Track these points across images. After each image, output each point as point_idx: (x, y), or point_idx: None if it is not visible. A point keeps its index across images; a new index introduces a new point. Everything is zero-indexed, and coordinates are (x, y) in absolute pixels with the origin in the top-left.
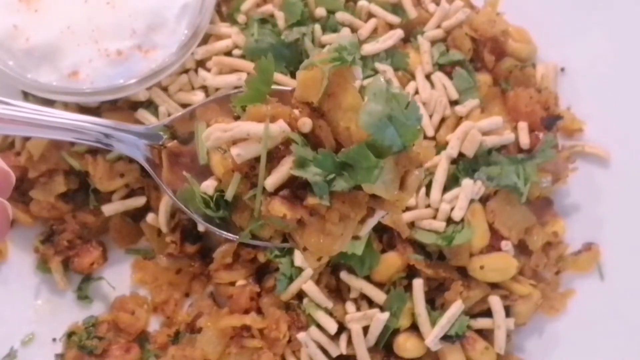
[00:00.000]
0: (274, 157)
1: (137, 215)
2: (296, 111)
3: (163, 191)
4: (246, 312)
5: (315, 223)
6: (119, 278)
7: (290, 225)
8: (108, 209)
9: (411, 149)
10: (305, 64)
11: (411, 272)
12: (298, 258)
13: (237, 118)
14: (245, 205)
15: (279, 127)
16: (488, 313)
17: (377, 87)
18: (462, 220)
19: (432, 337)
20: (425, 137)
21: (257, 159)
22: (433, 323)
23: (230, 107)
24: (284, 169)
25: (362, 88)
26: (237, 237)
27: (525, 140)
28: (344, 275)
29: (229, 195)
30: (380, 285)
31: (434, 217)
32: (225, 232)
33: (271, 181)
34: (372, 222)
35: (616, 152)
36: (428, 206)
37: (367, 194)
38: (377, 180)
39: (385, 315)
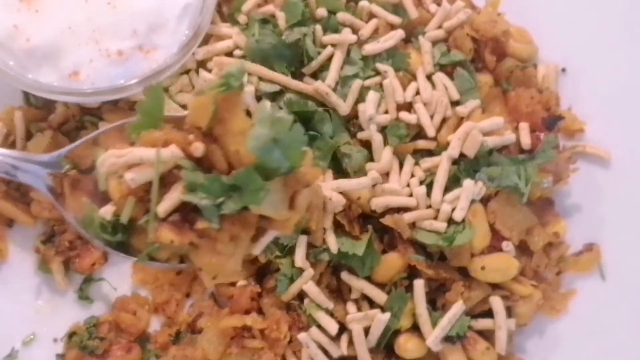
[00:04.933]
0: (168, 181)
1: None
2: (191, 136)
3: (66, 219)
4: (247, 312)
5: (206, 245)
6: (120, 278)
7: (184, 247)
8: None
9: (298, 170)
10: (195, 91)
11: (412, 273)
12: (299, 259)
13: (133, 144)
14: (142, 228)
15: (171, 152)
16: (489, 314)
17: (262, 111)
18: (463, 220)
19: (433, 337)
20: (427, 138)
21: (151, 183)
22: (434, 323)
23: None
24: (175, 195)
25: (364, 88)
26: (137, 259)
27: (526, 141)
28: (344, 275)
29: (123, 218)
30: (381, 285)
31: (435, 218)
32: (124, 255)
33: (162, 208)
34: (265, 240)
35: (617, 153)
36: (429, 207)
37: (256, 214)
38: (265, 201)
39: (386, 315)
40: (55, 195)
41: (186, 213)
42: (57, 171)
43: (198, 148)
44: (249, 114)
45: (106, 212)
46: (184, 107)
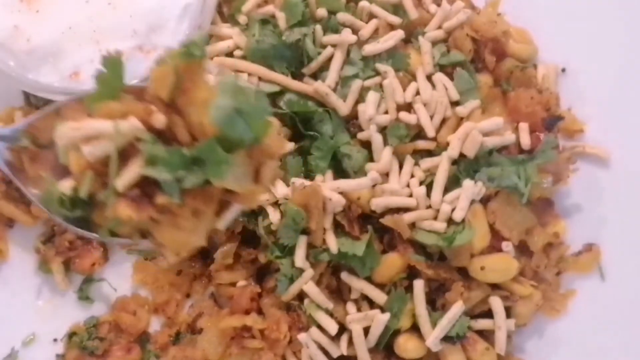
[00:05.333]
0: (129, 155)
1: None
2: (153, 107)
3: (25, 194)
4: (247, 312)
5: (167, 220)
6: (120, 279)
7: (145, 223)
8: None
9: (264, 142)
10: (156, 60)
11: (412, 273)
12: (299, 259)
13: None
14: (103, 203)
15: (129, 124)
16: (489, 314)
17: (225, 81)
18: (463, 221)
19: (432, 337)
20: (426, 138)
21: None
22: (434, 324)
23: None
24: (134, 169)
25: (363, 89)
26: (98, 235)
27: (526, 141)
28: (344, 276)
29: (82, 193)
30: (381, 286)
31: (435, 218)
32: (86, 232)
33: (121, 182)
34: (229, 215)
35: (617, 153)
36: (429, 207)
37: (220, 188)
38: (228, 174)
39: (386, 316)
40: (14, 170)
41: (147, 188)
42: (16, 145)
43: (159, 119)
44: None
45: (65, 186)
46: None
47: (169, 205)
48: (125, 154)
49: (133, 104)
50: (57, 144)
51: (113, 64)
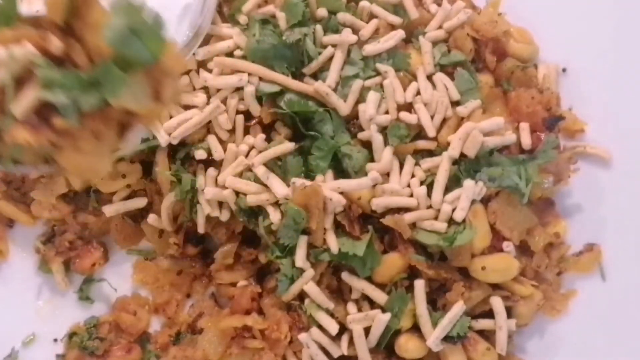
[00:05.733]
0: (26, 81)
1: (138, 216)
2: (49, 33)
3: None
4: (247, 312)
5: (68, 144)
6: (120, 279)
7: (46, 148)
8: (109, 210)
9: (161, 61)
10: None
11: (412, 273)
12: (299, 259)
13: None
14: (2, 131)
15: (24, 50)
16: (489, 314)
17: (118, 1)
18: (464, 221)
19: (433, 338)
20: (427, 138)
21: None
22: (434, 324)
23: None
24: (30, 93)
25: (364, 88)
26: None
27: (526, 141)
28: (345, 276)
29: None
30: (381, 286)
31: (436, 218)
32: None
33: (18, 107)
34: (132, 136)
35: (618, 153)
36: (429, 207)
37: (119, 109)
38: (125, 93)
39: (387, 316)
40: None
41: (47, 113)
42: None
43: (54, 43)
44: None
45: None
46: (185, 107)
47: (68, 128)
48: (22, 81)
49: (27, 31)
50: None
51: None
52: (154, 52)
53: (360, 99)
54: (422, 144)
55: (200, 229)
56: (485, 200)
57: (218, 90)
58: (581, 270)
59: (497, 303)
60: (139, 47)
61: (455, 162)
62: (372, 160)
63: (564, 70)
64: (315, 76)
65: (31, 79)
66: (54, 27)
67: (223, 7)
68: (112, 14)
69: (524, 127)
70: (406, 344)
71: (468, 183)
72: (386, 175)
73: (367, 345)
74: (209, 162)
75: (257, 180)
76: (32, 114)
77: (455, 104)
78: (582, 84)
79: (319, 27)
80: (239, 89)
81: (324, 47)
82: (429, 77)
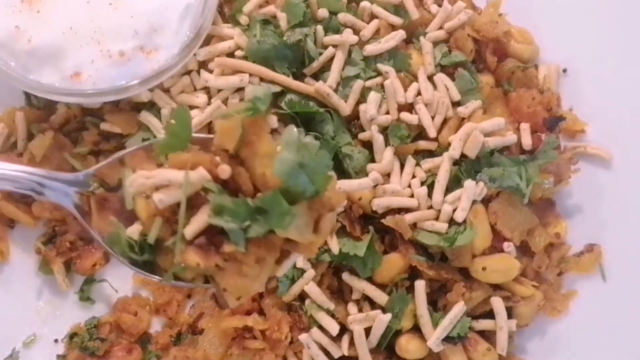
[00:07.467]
0: (195, 203)
1: None
2: (217, 158)
3: (92, 237)
4: (248, 313)
5: (232, 267)
6: (121, 279)
7: (209, 269)
8: None
9: (324, 194)
10: (222, 113)
11: (413, 274)
12: (300, 260)
13: (160, 165)
14: (168, 249)
15: (199, 175)
16: (490, 314)
17: (290, 136)
18: (465, 221)
19: (434, 338)
20: (428, 138)
21: (179, 204)
22: (435, 324)
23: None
24: (202, 217)
25: (365, 89)
26: (162, 278)
27: (527, 142)
28: (346, 276)
29: (150, 238)
30: (382, 286)
31: (436, 219)
32: (150, 274)
33: (190, 230)
34: (288, 263)
35: (618, 153)
36: (430, 207)
37: (282, 237)
38: (290, 225)
39: (387, 316)
40: (82, 213)
41: (212, 235)
42: (84, 189)
43: (225, 170)
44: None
45: (133, 231)
46: (191, 108)
47: (234, 253)
48: (191, 202)
49: (201, 155)
50: (125, 190)
51: (181, 115)
52: (319, 186)
53: (361, 99)
54: (422, 144)
55: None
56: (486, 201)
57: (219, 90)
58: (582, 271)
59: (497, 303)
60: (305, 181)
61: (455, 163)
62: (372, 160)
63: (564, 70)
64: (316, 76)
65: (199, 201)
66: (222, 152)
67: (224, 8)
68: (283, 148)
69: (525, 127)
70: (407, 345)
71: (469, 183)
72: (387, 175)
73: (367, 345)
74: None
75: None
76: (201, 236)
77: (456, 104)
78: (583, 85)
79: (319, 28)
80: (239, 90)
81: (325, 47)
82: (430, 78)
